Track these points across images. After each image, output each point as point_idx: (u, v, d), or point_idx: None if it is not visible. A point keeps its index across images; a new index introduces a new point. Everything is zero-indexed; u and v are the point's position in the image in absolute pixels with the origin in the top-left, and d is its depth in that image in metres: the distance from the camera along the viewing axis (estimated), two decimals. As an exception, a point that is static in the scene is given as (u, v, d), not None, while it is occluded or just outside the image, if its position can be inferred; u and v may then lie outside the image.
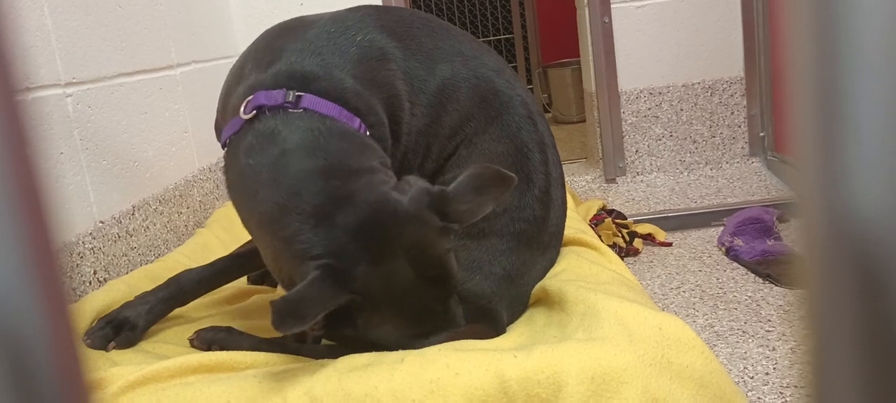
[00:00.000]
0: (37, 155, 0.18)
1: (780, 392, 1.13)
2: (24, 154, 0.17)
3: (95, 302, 1.09)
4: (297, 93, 0.94)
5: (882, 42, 0.16)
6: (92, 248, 1.25)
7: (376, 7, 1.11)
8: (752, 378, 1.18)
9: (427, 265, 0.88)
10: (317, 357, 0.90)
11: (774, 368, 1.20)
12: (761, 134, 2.28)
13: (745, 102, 2.27)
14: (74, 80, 1.28)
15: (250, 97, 0.96)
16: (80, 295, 1.17)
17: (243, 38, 2.13)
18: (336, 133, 0.92)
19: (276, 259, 0.90)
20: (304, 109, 0.93)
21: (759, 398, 1.13)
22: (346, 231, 0.85)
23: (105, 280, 1.26)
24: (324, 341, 0.97)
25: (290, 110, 0.93)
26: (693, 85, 2.27)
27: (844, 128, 0.16)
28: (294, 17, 1.12)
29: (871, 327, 0.16)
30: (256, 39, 1.09)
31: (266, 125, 0.93)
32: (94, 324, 1.05)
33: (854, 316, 0.16)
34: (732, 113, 2.28)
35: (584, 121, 2.63)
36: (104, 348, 1.01)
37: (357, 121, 0.96)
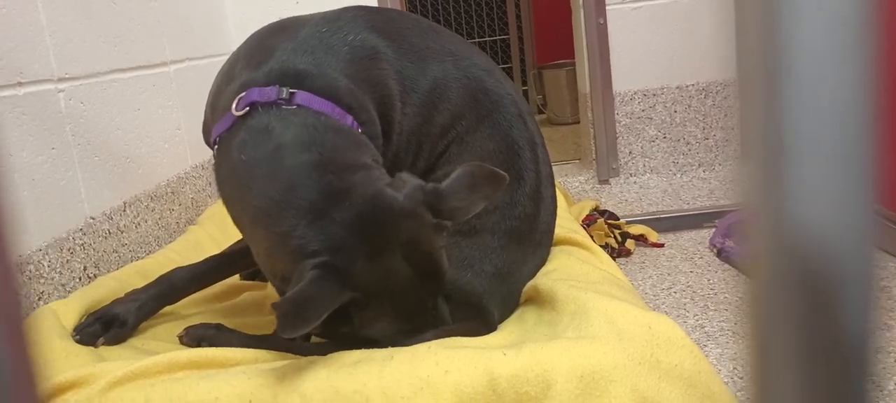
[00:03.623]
0: None
1: (770, 393, 1.13)
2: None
3: (85, 298, 1.09)
4: (290, 90, 0.94)
5: (822, 61, 0.16)
6: (82, 244, 1.25)
7: (367, 7, 1.11)
8: (741, 378, 1.18)
9: (422, 261, 0.88)
10: (306, 355, 0.90)
11: (764, 369, 1.20)
12: (754, 136, 2.29)
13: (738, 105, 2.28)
14: (67, 76, 1.27)
15: (242, 94, 0.96)
16: (69, 291, 1.17)
17: (237, 35, 2.13)
18: (331, 128, 0.92)
19: (270, 255, 0.89)
20: (298, 106, 0.93)
21: (747, 398, 1.13)
22: (344, 226, 0.84)
23: (95, 276, 1.26)
24: (313, 338, 0.97)
25: (284, 107, 0.93)
26: (687, 87, 2.27)
27: (789, 145, 0.16)
28: (286, 16, 1.12)
29: (812, 333, 0.16)
30: (247, 39, 1.09)
31: (259, 121, 0.93)
32: (83, 320, 1.04)
33: (797, 322, 0.16)
34: (726, 115, 2.29)
35: (579, 122, 2.63)
36: (93, 344, 1.01)
37: (350, 118, 0.96)
